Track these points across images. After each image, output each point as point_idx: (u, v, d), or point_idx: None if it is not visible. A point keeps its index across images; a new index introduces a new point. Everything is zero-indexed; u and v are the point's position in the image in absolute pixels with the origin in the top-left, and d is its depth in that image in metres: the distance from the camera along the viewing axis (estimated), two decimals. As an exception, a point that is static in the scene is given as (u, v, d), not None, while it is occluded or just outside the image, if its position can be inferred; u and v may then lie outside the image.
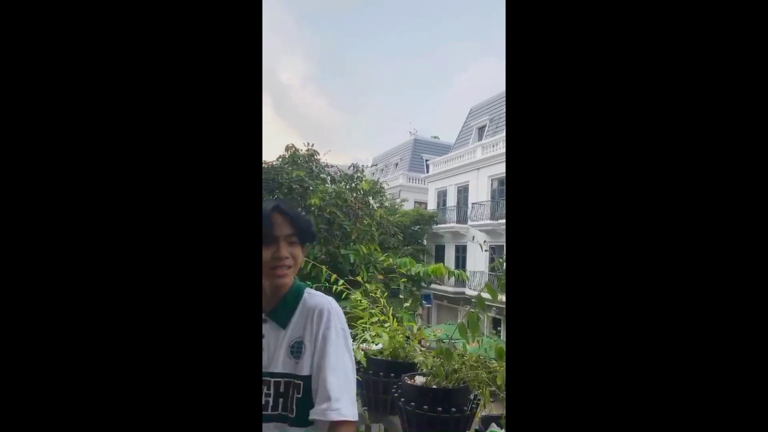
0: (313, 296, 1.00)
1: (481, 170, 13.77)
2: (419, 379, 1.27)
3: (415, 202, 18.93)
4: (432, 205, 17.24)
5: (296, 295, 0.99)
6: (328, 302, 0.98)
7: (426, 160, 21.75)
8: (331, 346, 0.93)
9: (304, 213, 1.03)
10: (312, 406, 0.93)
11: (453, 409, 1.17)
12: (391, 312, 1.47)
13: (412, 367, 1.37)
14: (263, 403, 0.93)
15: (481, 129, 16.28)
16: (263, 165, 7.91)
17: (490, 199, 12.98)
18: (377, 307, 1.52)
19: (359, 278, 1.82)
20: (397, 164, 23.82)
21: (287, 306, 0.98)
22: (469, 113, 18.22)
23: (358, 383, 1.43)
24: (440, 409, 1.16)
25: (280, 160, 8.29)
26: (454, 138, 19.72)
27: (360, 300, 1.57)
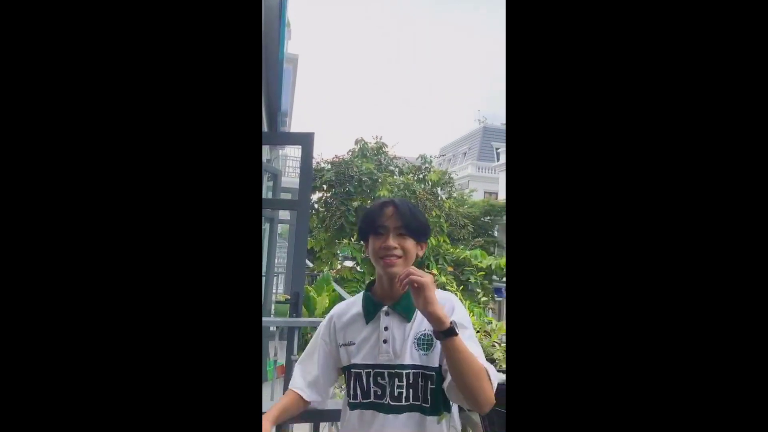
0: (437, 293, 1.03)
1: (557, 157, 12.91)
2: (500, 377, 1.23)
3: (485, 192, 18.38)
4: (503, 195, 16.61)
5: None
6: (453, 296, 1.03)
7: (496, 149, 20.97)
8: (472, 334, 0.99)
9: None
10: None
11: (537, 410, 1.12)
12: (468, 306, 1.44)
13: (490, 363, 1.33)
14: (396, 394, 0.98)
15: (557, 113, 15.28)
16: (334, 159, 8.16)
17: (567, 187, 12.14)
18: (453, 300, 1.49)
19: (435, 271, 1.80)
20: (465, 153, 23.29)
21: (411, 299, 0.99)
22: (544, 97, 17.20)
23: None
24: (523, 409, 1.11)
25: (350, 153, 8.48)
26: (526, 124, 18.70)
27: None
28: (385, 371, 0.98)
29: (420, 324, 0.99)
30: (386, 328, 1.00)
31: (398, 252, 0.97)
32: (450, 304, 1.00)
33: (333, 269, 7.51)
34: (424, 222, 1.02)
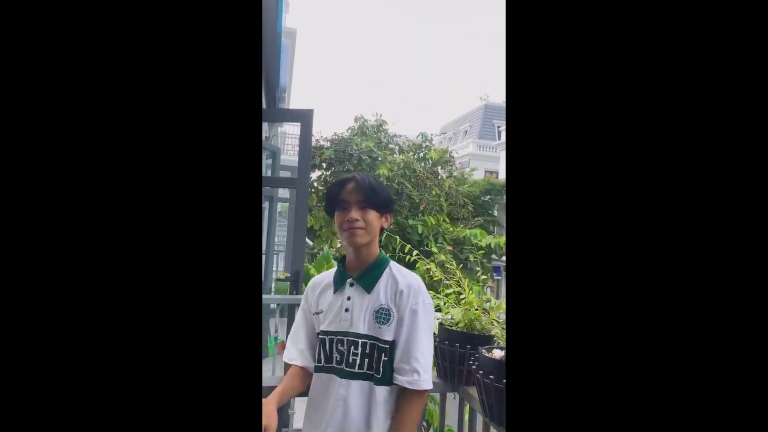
0: (401, 271, 1.09)
1: (558, 136, 12.80)
2: (497, 353, 1.24)
3: (486, 171, 18.29)
4: (504, 174, 16.55)
5: (382, 264, 1.10)
6: (417, 279, 1.07)
7: (498, 127, 20.77)
8: (420, 321, 1.02)
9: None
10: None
11: (534, 386, 1.14)
12: (467, 284, 1.44)
13: (488, 340, 1.34)
14: (351, 361, 1.03)
15: (560, 91, 15.07)
16: (333, 136, 8.07)
17: (568, 166, 12.08)
18: (452, 278, 1.50)
19: (434, 249, 1.81)
20: (466, 132, 23.05)
21: (373, 273, 1.07)
22: (547, 74, 16.94)
23: (435, 352, 1.45)
24: (520, 384, 1.13)
25: (350, 131, 8.39)
26: (528, 102, 18.51)
27: (431, 270, 1.56)
28: (345, 338, 1.04)
29: (378, 297, 1.04)
30: (349, 298, 1.06)
31: (360, 224, 1.02)
32: (410, 290, 1.03)
33: (333, 247, 7.54)
34: (385, 195, 1.06)
